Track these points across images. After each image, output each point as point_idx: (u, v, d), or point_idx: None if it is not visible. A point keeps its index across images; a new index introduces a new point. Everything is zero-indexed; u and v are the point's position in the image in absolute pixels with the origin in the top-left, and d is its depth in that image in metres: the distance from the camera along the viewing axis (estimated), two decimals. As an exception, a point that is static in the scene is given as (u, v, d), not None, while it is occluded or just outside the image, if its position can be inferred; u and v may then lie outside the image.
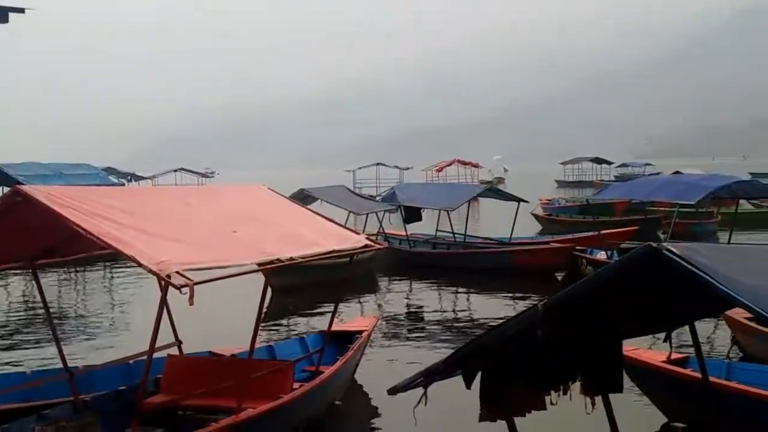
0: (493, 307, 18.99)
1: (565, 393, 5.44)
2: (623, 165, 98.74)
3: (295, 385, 9.88)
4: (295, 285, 20.15)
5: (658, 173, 60.04)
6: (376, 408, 11.28)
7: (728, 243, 21.82)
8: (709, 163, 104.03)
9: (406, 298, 21.31)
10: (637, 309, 5.13)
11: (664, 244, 3.92)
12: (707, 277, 3.75)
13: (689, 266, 3.78)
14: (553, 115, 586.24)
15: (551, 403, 5.33)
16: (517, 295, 20.64)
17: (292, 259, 8.83)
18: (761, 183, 23.96)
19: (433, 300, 20.84)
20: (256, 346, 9.75)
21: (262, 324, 15.82)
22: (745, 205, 37.48)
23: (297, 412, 9.54)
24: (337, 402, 11.09)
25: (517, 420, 5.16)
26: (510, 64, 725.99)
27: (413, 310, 19.67)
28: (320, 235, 9.76)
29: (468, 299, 21.00)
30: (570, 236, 27.14)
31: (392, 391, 4.95)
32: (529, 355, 4.93)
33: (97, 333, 17.18)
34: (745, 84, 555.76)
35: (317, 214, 10.83)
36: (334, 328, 12.03)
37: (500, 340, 4.50)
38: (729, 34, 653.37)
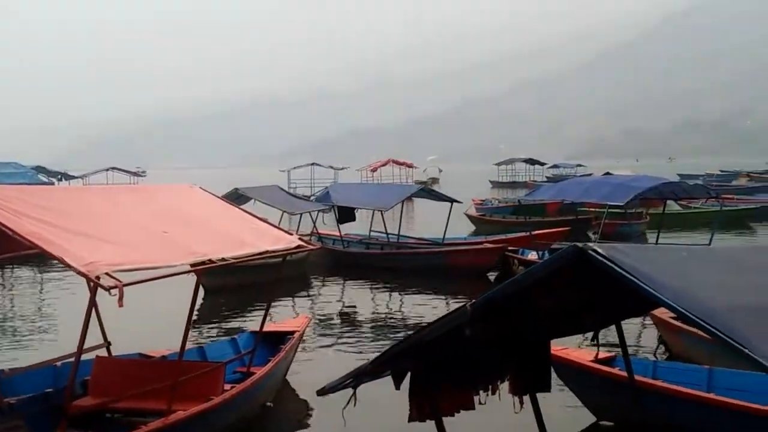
0: (426, 307, 19.07)
1: (493, 393, 5.49)
2: (555, 166, 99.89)
3: (226, 387, 9.81)
4: (228, 285, 20.01)
5: (589, 174, 60.83)
6: (308, 409, 11.24)
7: (656, 243, 22.29)
8: (635, 165, 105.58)
9: (340, 299, 21.29)
10: (565, 308, 5.19)
11: (590, 244, 3.97)
12: (631, 277, 3.81)
13: (614, 266, 3.85)
14: (488, 116, 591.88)
15: (480, 403, 5.37)
16: (449, 295, 20.74)
17: (224, 259, 8.77)
18: (688, 184, 24.45)
19: (367, 300, 20.84)
20: (187, 347, 9.66)
21: (194, 325, 15.70)
22: (673, 206, 38.22)
23: (228, 413, 9.47)
24: (268, 403, 11.04)
25: (446, 420, 5.19)
26: (446, 66, 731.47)
27: (346, 310, 19.66)
28: (253, 236, 9.71)
29: (401, 299, 21.06)
30: (502, 237, 27.35)
31: (321, 392, 4.95)
32: (457, 355, 4.96)
33: (24, 335, 16.84)
34: (670, 87, 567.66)
35: (250, 214, 10.77)
36: (267, 328, 11.98)
37: (429, 340, 4.52)
38: (654, 38, 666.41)
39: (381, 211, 25.84)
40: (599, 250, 3.90)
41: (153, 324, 16.11)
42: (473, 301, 4.30)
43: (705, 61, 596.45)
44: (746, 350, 3.62)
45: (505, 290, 4.29)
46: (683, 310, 3.75)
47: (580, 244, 3.96)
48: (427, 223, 36.24)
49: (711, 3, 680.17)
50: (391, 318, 18.61)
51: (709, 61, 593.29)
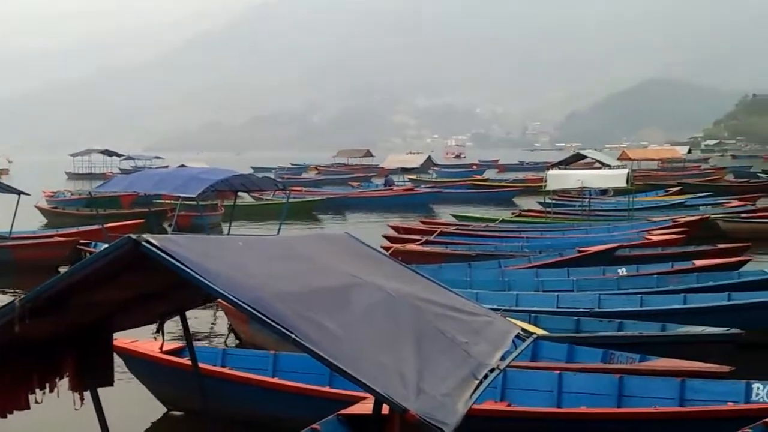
0: (-10, 306, 17.94)
1: (51, 390, 5.29)
2: (129, 157, 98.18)
3: None
4: None
5: (166, 166, 60.66)
6: None
7: (228, 234, 22.82)
8: (202, 157, 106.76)
9: None
10: (125, 300, 5.15)
11: (144, 235, 3.97)
12: (184, 268, 3.87)
13: (167, 257, 3.88)
14: (67, 104, 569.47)
15: (36, 402, 5.16)
16: (18, 291, 19.69)
17: None
18: (257, 177, 25.27)
19: None
20: None
21: None
22: (248, 199, 39.36)
23: None
24: None
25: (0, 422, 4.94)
26: (22, 49, 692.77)
27: None
28: None
29: (-39, 298, 19.66)
30: (74, 230, 26.58)
31: None
32: (8, 352, 4.73)
33: None
34: (247, 81, 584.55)
35: None
36: None
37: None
38: (228, 34, 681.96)
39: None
40: (153, 241, 3.90)
41: None
42: (22, 296, 4.13)
43: (279, 58, 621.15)
44: (293, 335, 3.83)
45: (58, 283, 4.16)
46: (234, 299, 3.88)
47: (134, 236, 3.95)
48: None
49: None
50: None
51: (283, 57, 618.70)
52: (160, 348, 8.43)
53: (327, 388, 9.01)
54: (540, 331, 10.98)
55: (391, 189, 50.89)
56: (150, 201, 31.82)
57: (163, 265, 3.91)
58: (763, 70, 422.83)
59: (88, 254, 22.20)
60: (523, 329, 6.06)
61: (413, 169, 60.11)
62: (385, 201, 45.49)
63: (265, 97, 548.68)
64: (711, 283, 15.06)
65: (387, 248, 19.83)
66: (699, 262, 17.75)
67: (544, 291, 15.46)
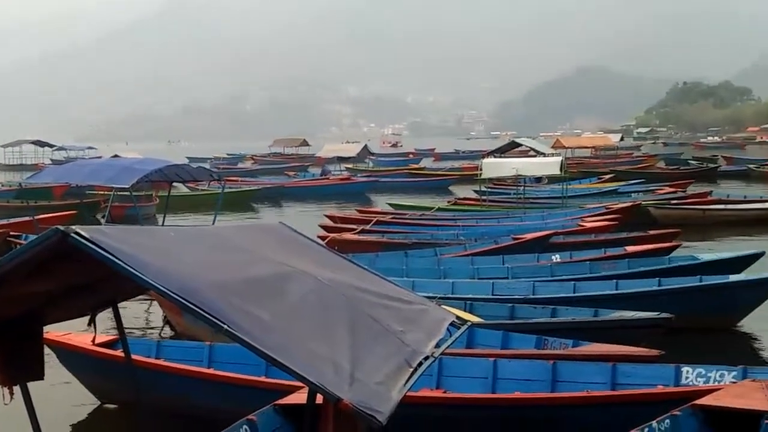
0: None
1: (-21, 386, 5.20)
2: (61, 148, 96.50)
3: None
4: None
5: (99, 157, 59.74)
6: None
7: (163, 225, 22.56)
8: (134, 148, 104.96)
9: None
10: (57, 292, 5.08)
11: (73, 227, 3.92)
12: (114, 259, 3.84)
13: (96, 248, 3.84)
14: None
15: (-36, 399, 5.08)
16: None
17: None
18: (191, 167, 24.96)
19: None
20: None
21: None
22: (183, 189, 39.00)
23: None
24: None
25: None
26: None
27: None
28: None
29: None
30: (4, 222, 26.05)
31: None
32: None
33: None
34: (175, 70, 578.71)
35: None
36: None
37: None
38: (159, 22, 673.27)
39: None
40: (81, 233, 3.86)
41: None
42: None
43: (206, 48, 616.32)
44: (225, 325, 3.82)
45: (-14, 275, 4.10)
46: (164, 289, 3.86)
47: (62, 227, 3.90)
48: None
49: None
50: None
51: (210, 48, 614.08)
52: (93, 340, 8.34)
53: (263, 378, 8.98)
54: (475, 319, 11.07)
55: (328, 178, 50.80)
56: (83, 192, 31.30)
57: (92, 256, 3.86)
58: (691, 59, 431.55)
59: (18, 246, 21.78)
60: (457, 317, 6.11)
61: (350, 158, 59.93)
62: (321, 190, 45.41)
63: (192, 88, 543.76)
64: (642, 269, 15.32)
65: (323, 238, 19.80)
66: (631, 249, 18.05)
67: (479, 279, 15.57)
